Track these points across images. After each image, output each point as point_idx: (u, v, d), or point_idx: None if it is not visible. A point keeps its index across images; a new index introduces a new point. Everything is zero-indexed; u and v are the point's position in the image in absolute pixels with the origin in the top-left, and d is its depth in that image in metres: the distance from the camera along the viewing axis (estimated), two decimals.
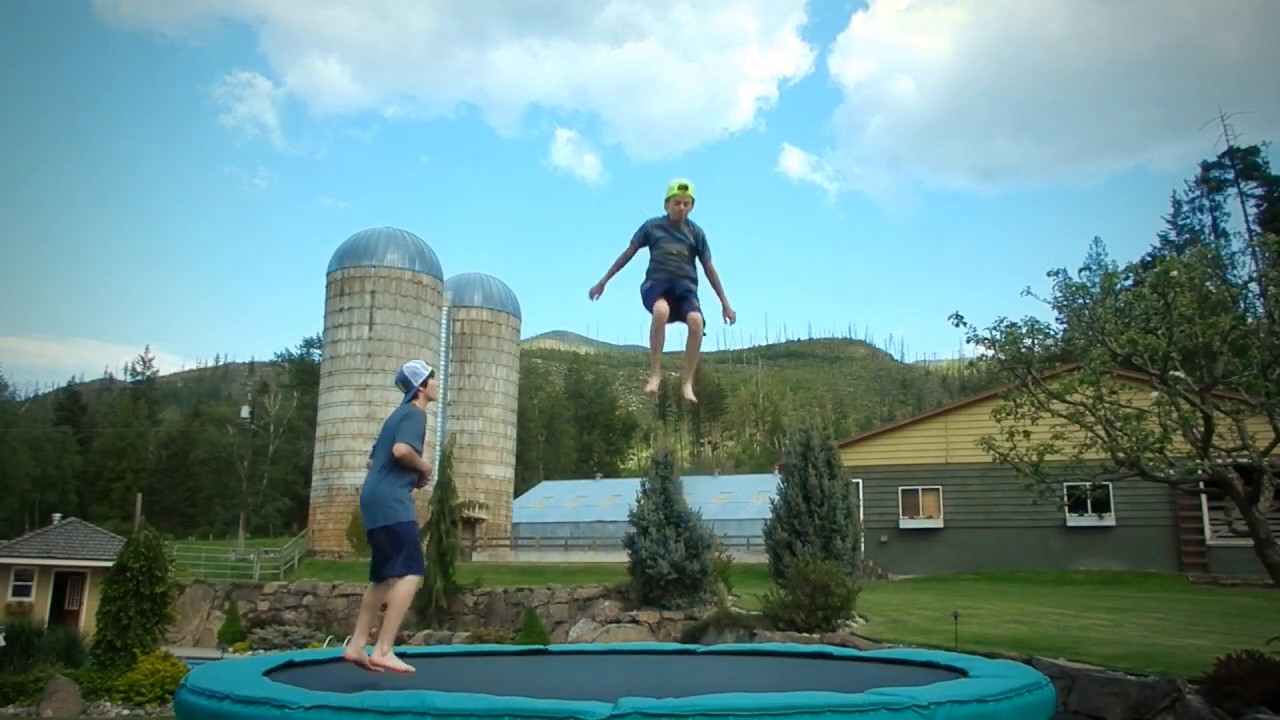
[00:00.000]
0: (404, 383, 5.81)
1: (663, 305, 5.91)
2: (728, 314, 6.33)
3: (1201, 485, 13.14)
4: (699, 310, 6.04)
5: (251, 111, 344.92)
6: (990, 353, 10.71)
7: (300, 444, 63.07)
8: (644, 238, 6.21)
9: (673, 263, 6.10)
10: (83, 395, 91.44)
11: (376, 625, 5.57)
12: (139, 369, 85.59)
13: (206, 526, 61.81)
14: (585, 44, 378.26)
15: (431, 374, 5.87)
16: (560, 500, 52.60)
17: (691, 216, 6.15)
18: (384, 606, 5.57)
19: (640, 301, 6.14)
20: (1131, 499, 25.75)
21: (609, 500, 48.20)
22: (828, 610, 15.01)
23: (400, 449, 5.37)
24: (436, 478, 29.77)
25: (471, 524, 42.24)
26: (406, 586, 5.40)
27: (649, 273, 6.21)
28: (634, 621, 20.00)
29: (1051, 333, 10.72)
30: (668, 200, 6.19)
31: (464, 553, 33.17)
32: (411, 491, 5.62)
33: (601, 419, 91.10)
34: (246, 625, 26.70)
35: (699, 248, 6.19)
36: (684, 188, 6.17)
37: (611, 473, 74.66)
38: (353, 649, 5.43)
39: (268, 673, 5.25)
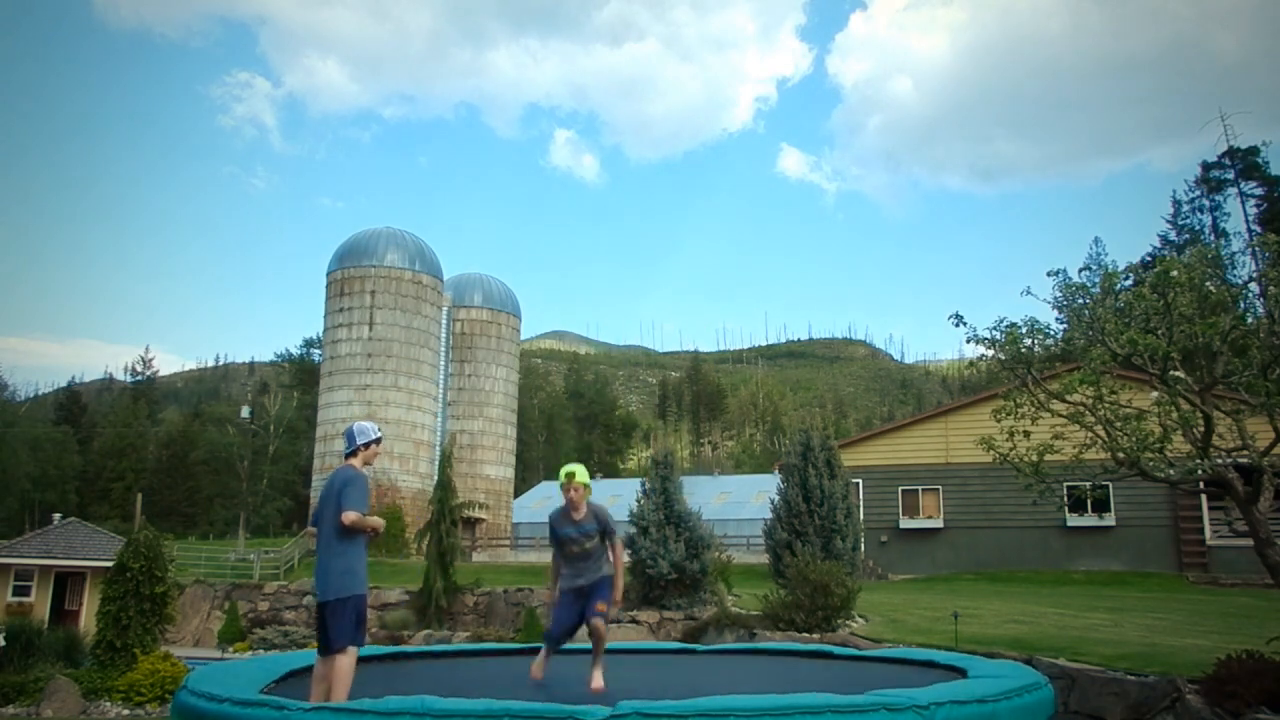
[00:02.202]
0: (348, 439, 5.68)
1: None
2: (605, 605, 6.22)
3: (1201, 485, 13.15)
4: (603, 613, 6.12)
5: (250, 112, 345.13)
6: (990, 353, 10.70)
7: (300, 444, 63.06)
8: (552, 536, 6.37)
9: (576, 563, 6.26)
10: (83, 395, 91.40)
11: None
12: (139, 369, 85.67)
13: (206, 526, 61.81)
14: (584, 44, 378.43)
15: (378, 440, 5.74)
16: (560, 500, 52.52)
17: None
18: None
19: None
20: (1131, 499, 25.75)
21: (609, 500, 48.08)
22: (828, 610, 15.01)
23: (350, 517, 5.27)
24: (437, 477, 29.70)
25: (471, 524, 42.25)
26: (349, 660, 5.23)
27: (558, 573, 6.43)
28: (634, 621, 19.99)
29: (1051, 333, 10.71)
30: (561, 488, 6.32)
31: (464, 553, 33.18)
32: (364, 557, 5.52)
33: (601, 419, 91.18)
34: (246, 625, 26.69)
35: (604, 532, 6.31)
36: (570, 475, 6.25)
37: (611, 473, 74.68)
38: None
39: (267, 689, 5.24)
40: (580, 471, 6.32)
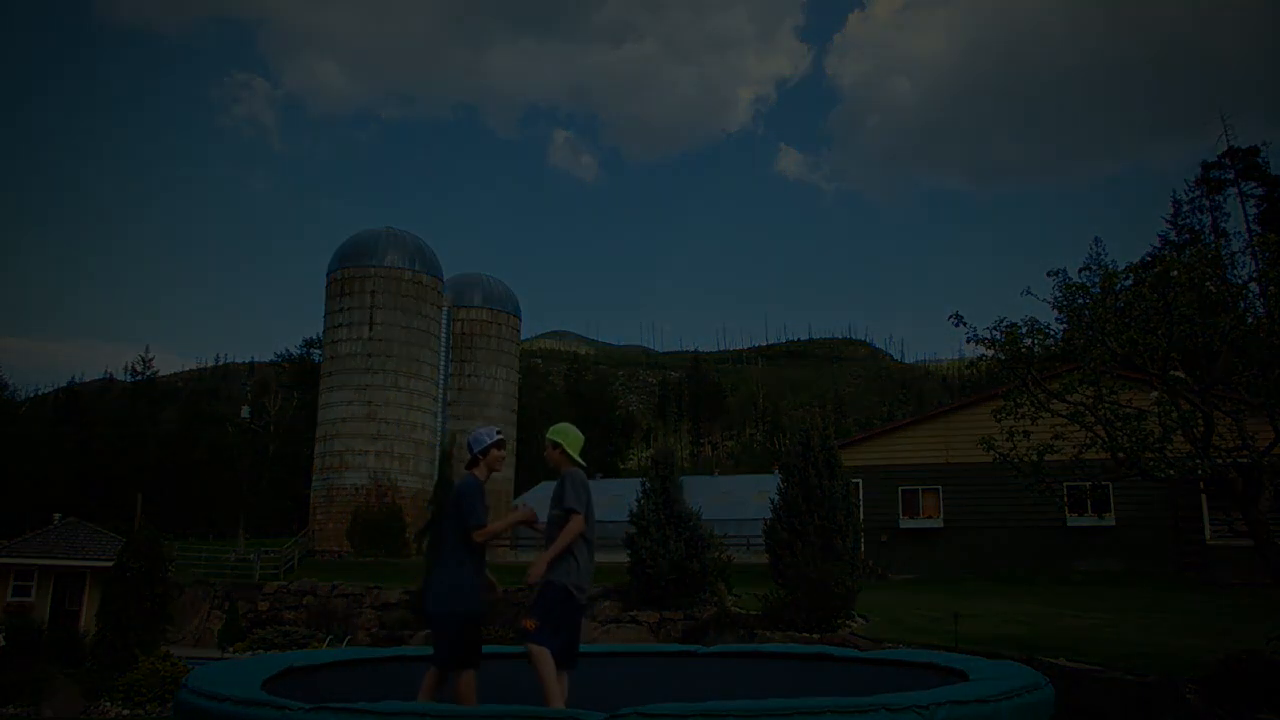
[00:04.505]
0: (469, 449, 5.53)
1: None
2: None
3: (1201, 485, 13.15)
4: (532, 631, 4.94)
5: (250, 112, 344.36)
6: (990, 353, 10.71)
7: (300, 444, 63.07)
8: None
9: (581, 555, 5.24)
10: (83, 395, 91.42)
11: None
12: (139, 369, 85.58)
13: (206, 526, 61.85)
14: (582, 45, 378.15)
15: (496, 444, 5.47)
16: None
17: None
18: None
19: None
20: (1131, 499, 25.74)
21: (609, 500, 48.20)
22: (828, 610, 15.02)
23: (479, 535, 5.20)
24: (436, 477, 29.73)
25: None
26: (462, 683, 5.05)
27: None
28: (634, 621, 20.00)
29: (1051, 333, 10.72)
30: None
31: None
32: (483, 573, 5.27)
33: (601, 419, 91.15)
34: (246, 625, 26.70)
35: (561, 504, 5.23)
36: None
37: (611, 473, 74.65)
38: None
39: (266, 682, 5.25)
40: (555, 428, 5.48)
